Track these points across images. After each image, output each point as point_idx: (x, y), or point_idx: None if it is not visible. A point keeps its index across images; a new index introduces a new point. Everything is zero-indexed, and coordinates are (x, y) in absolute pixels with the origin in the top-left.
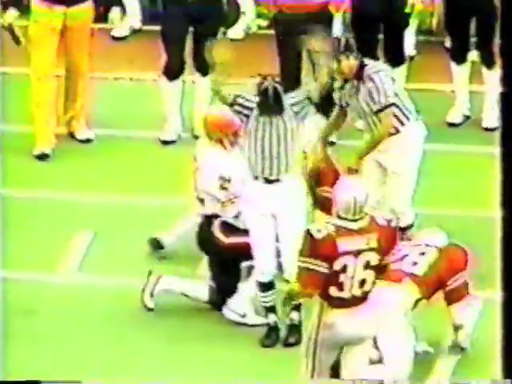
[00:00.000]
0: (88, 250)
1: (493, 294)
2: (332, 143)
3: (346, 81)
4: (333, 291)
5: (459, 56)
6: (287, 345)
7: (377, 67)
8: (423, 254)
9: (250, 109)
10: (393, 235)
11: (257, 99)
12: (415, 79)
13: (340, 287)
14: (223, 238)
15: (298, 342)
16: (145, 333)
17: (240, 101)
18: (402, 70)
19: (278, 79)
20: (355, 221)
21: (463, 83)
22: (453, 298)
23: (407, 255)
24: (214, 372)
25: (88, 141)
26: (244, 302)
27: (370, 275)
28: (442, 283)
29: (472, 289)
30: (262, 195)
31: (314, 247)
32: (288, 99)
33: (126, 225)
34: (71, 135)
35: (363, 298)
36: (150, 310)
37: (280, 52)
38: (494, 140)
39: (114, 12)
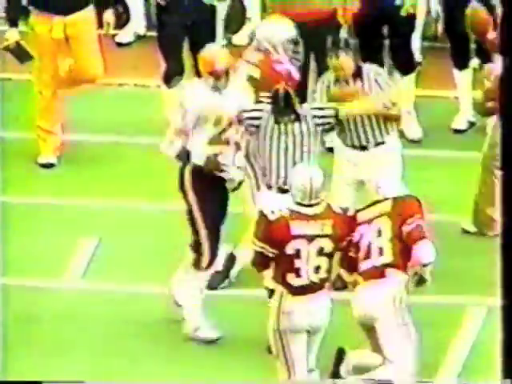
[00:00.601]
0: (92, 256)
1: (493, 298)
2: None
3: (337, 80)
4: (290, 278)
5: (460, 62)
6: None
7: (376, 70)
8: (379, 231)
9: (258, 118)
10: (348, 223)
11: (269, 107)
12: (420, 85)
13: (297, 273)
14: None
15: None
16: (148, 340)
17: (246, 115)
18: (412, 77)
19: (289, 86)
20: (311, 206)
21: (466, 89)
22: (409, 240)
23: (367, 240)
24: (216, 377)
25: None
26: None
27: (324, 262)
28: (401, 233)
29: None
30: (274, 204)
31: (266, 229)
32: (314, 110)
33: (131, 231)
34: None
35: (321, 285)
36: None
37: None
38: None
39: (108, 13)
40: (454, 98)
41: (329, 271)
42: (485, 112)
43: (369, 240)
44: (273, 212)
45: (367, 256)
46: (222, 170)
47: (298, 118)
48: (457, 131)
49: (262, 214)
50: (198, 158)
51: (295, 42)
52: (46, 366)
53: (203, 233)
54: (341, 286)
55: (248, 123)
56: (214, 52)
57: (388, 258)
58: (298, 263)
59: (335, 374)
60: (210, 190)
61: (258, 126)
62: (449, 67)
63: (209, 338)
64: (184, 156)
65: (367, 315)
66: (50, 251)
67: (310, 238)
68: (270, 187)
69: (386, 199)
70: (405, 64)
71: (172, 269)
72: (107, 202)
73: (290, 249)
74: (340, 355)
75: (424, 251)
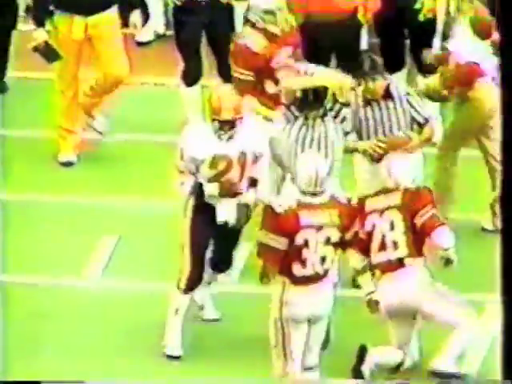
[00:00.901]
0: (112, 254)
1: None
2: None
3: (368, 103)
4: (296, 269)
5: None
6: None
7: (405, 88)
8: (392, 224)
9: (296, 116)
10: (353, 213)
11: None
12: None
13: (303, 264)
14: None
15: (325, 348)
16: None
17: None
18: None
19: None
20: (316, 195)
21: None
22: (425, 230)
23: (380, 232)
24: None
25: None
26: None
27: (329, 252)
28: (414, 226)
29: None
30: (281, 198)
31: (275, 222)
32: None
33: (151, 229)
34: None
35: (324, 275)
36: None
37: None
38: None
39: (135, 15)
40: None
41: (333, 262)
42: (438, 98)
43: (382, 232)
44: (280, 205)
45: (382, 248)
46: (235, 194)
47: (324, 114)
48: None
49: (270, 207)
50: (211, 189)
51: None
52: (60, 364)
53: (188, 258)
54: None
55: (287, 114)
56: (223, 97)
57: (403, 251)
58: (305, 253)
59: (357, 373)
60: (206, 225)
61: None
62: None
63: (170, 354)
64: (197, 190)
65: (404, 304)
66: (70, 249)
67: (318, 228)
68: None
69: (397, 189)
70: (426, 64)
71: None
72: (126, 200)
73: (299, 239)
74: (362, 353)
75: (443, 237)
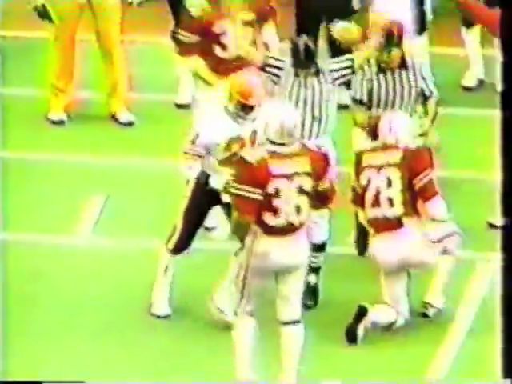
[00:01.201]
0: (102, 212)
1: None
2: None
3: (382, 71)
4: (268, 217)
5: (468, 20)
6: (305, 307)
7: (418, 59)
8: (389, 181)
9: (281, 68)
10: (324, 161)
11: (289, 60)
12: (431, 43)
13: (276, 213)
14: None
15: (315, 304)
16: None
17: (270, 61)
18: (425, 37)
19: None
20: (286, 145)
21: (474, 47)
22: (422, 196)
23: (375, 188)
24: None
25: (130, 124)
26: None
27: (304, 202)
28: (412, 186)
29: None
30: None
31: (248, 173)
32: (330, 64)
33: (141, 188)
34: (113, 117)
35: (299, 227)
36: None
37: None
38: None
39: None
40: (464, 56)
41: (309, 212)
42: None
43: (377, 188)
44: (252, 155)
45: (376, 204)
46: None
47: (317, 72)
48: (466, 88)
49: (242, 159)
50: (216, 183)
51: None
52: (50, 324)
53: (180, 223)
54: (363, 250)
55: (271, 71)
56: (254, 83)
57: (399, 208)
58: (277, 202)
59: (352, 333)
60: (204, 203)
61: (279, 76)
62: (458, 25)
63: (157, 314)
64: (203, 179)
65: (403, 261)
66: (60, 208)
67: (290, 176)
68: None
69: (396, 147)
70: (418, 23)
71: None
72: (117, 159)
73: (270, 188)
74: (361, 313)
75: (437, 208)
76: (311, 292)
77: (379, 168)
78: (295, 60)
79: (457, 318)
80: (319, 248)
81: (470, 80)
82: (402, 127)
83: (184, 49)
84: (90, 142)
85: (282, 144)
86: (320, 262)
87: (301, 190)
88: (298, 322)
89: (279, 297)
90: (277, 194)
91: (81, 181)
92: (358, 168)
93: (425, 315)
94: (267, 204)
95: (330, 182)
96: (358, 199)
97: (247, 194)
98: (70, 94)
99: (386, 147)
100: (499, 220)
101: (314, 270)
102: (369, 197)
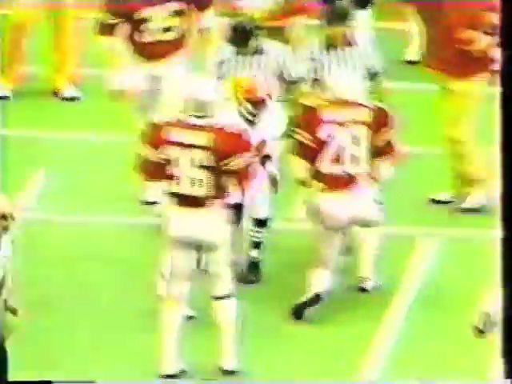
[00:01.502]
0: (44, 187)
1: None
2: None
3: (328, 49)
4: (172, 187)
5: None
6: (247, 282)
7: (360, 35)
8: (356, 139)
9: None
10: (234, 138)
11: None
12: (375, 18)
13: (177, 182)
14: None
15: (257, 280)
16: (104, 268)
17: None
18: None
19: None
20: (199, 118)
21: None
22: (377, 152)
23: (337, 144)
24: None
25: (74, 99)
26: None
27: (202, 175)
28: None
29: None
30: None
31: (150, 133)
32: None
33: (79, 163)
34: (55, 93)
35: (205, 200)
36: None
37: None
38: None
39: None
40: (408, 31)
41: (212, 187)
42: None
43: (341, 144)
44: (159, 117)
45: (337, 160)
46: None
47: (257, 51)
48: (410, 62)
49: (152, 122)
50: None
51: None
52: None
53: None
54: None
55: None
56: (252, 78)
57: (364, 167)
58: (176, 171)
59: (300, 312)
60: None
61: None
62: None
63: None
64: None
65: (353, 220)
66: (3, 182)
67: (184, 147)
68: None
69: (361, 105)
70: None
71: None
72: (55, 134)
73: (161, 154)
74: (315, 300)
75: (386, 168)
76: (254, 267)
77: (342, 124)
78: (232, 39)
79: (398, 293)
80: (261, 223)
81: (413, 54)
82: (346, 88)
83: (101, 29)
84: (33, 117)
85: (195, 116)
86: (262, 237)
87: (194, 163)
88: (228, 296)
89: (209, 274)
90: (176, 162)
91: (24, 156)
92: (312, 121)
93: (363, 290)
94: (167, 171)
95: (245, 162)
96: (308, 152)
97: (143, 153)
98: (19, 68)
99: (345, 103)
100: (441, 195)
101: (257, 245)
102: (330, 152)
